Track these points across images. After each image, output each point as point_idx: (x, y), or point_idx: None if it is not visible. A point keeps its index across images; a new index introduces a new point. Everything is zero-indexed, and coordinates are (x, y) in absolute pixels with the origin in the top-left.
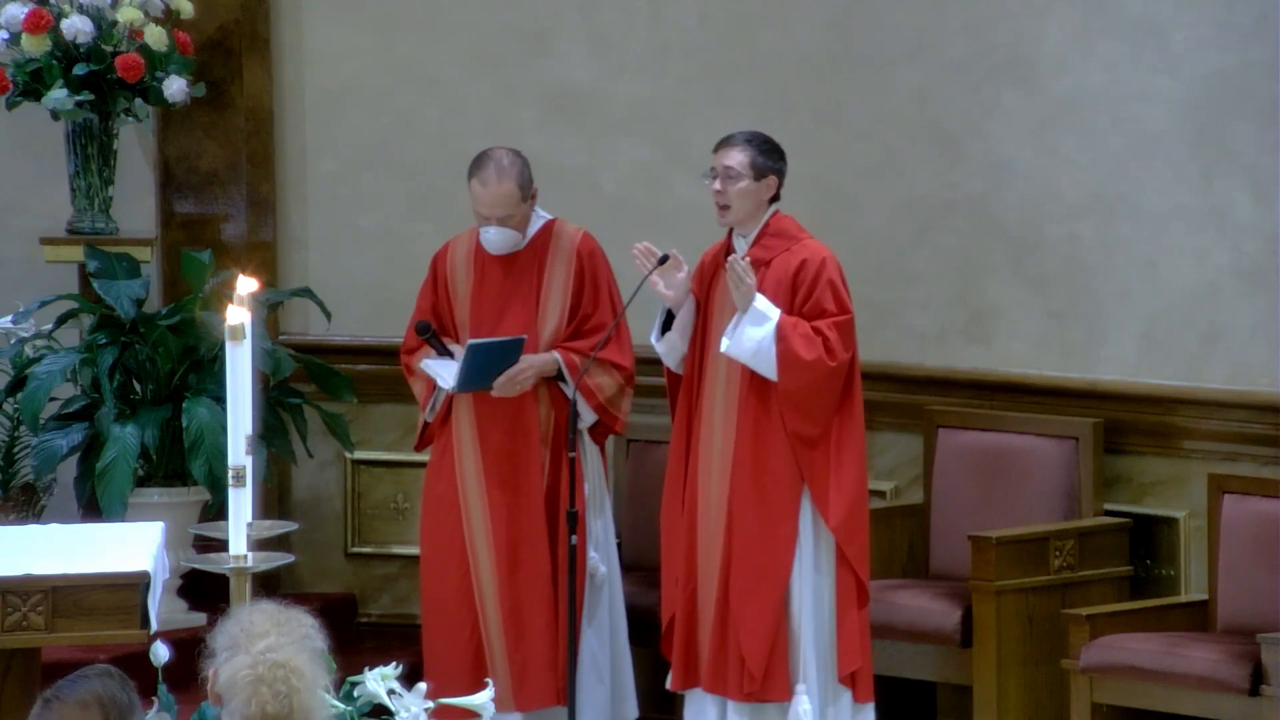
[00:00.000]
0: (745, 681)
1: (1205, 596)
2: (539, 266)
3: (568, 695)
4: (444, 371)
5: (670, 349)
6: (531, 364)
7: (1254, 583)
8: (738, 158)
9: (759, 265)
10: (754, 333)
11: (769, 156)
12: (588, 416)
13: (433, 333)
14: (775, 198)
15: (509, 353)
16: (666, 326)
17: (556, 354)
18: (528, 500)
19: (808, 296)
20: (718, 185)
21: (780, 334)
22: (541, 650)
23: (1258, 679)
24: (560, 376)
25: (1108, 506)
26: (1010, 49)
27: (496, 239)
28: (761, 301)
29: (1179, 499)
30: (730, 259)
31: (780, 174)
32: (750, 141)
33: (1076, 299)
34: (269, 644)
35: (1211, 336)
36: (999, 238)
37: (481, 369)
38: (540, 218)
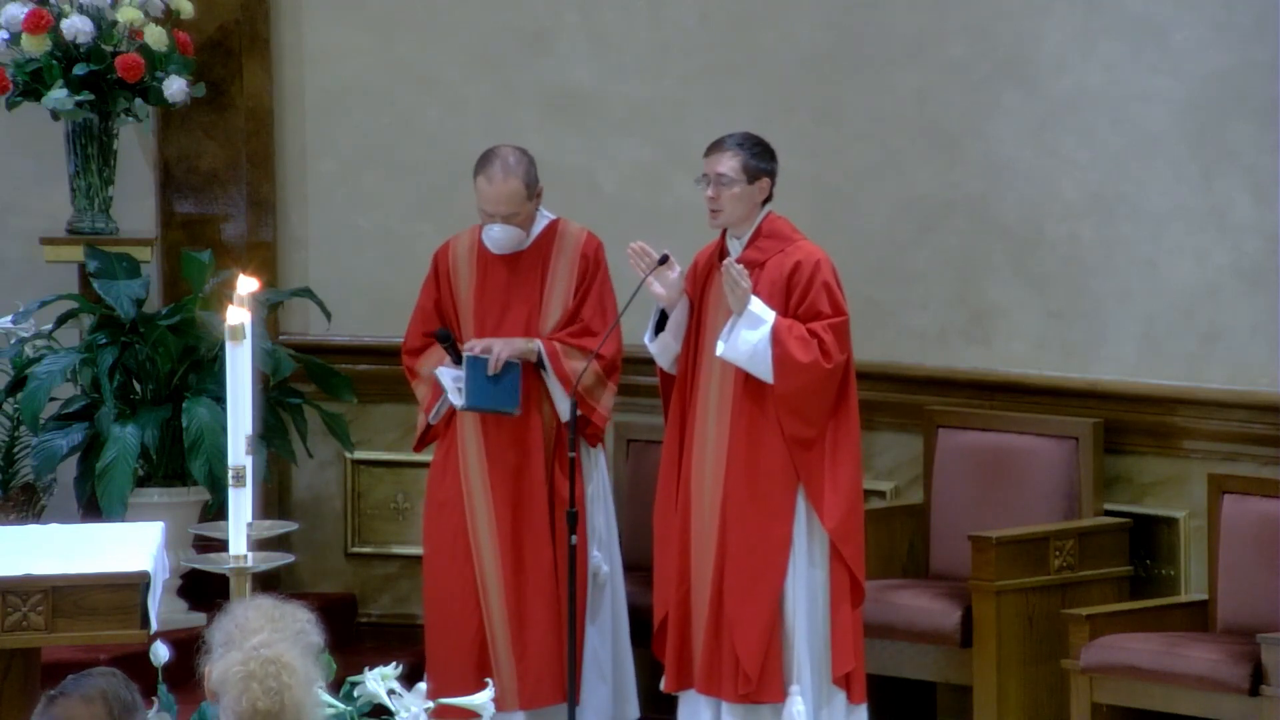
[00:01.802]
0: (740, 683)
1: (1205, 596)
2: (543, 266)
3: (568, 694)
4: (456, 385)
5: (663, 349)
6: (508, 342)
7: (1254, 583)
8: (730, 163)
9: (753, 267)
10: (749, 336)
11: (761, 158)
12: (564, 404)
13: (452, 341)
14: (768, 198)
15: (509, 370)
16: (660, 327)
17: (539, 341)
18: (531, 500)
19: (802, 298)
20: (711, 192)
21: (776, 337)
22: (545, 649)
23: (1258, 679)
24: (540, 364)
25: (1108, 506)
26: (1010, 49)
27: (501, 237)
28: (757, 304)
29: (1179, 499)
30: (726, 263)
31: (772, 175)
32: (741, 145)
33: (1076, 299)
34: (261, 640)
35: (1211, 336)
36: (999, 238)
37: (485, 385)
38: (544, 217)
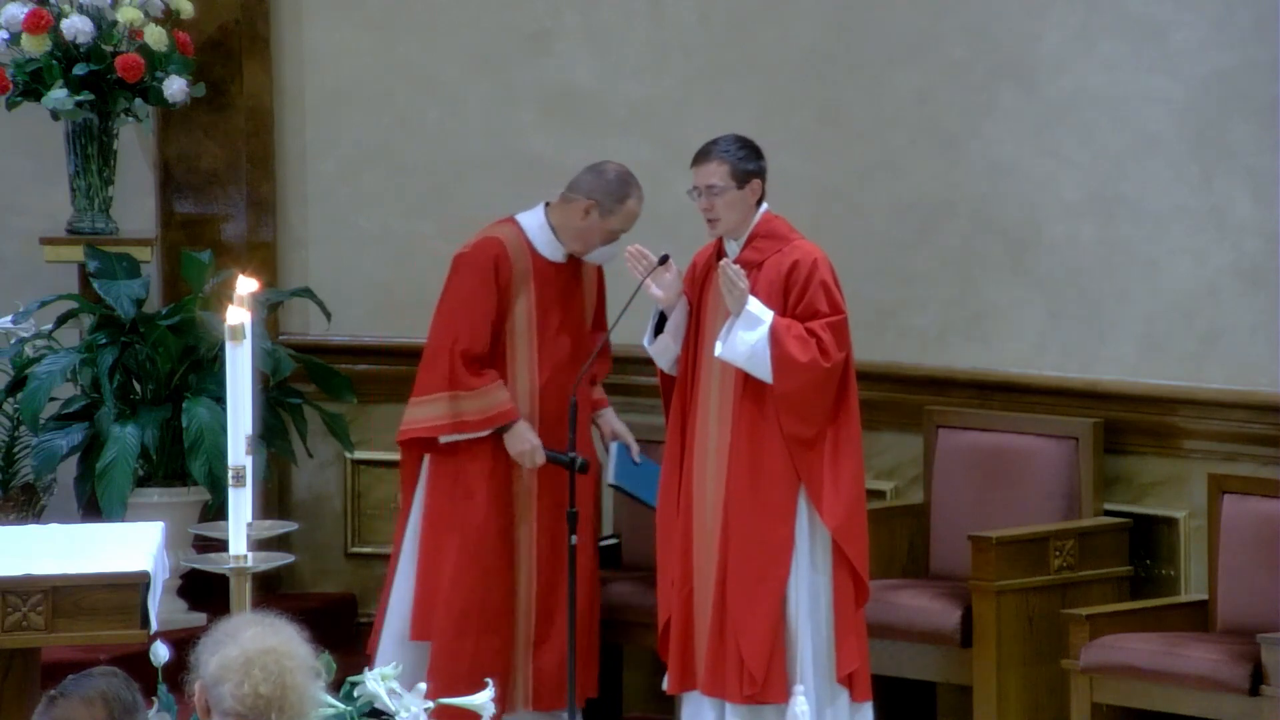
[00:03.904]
0: (745, 684)
1: (1205, 596)
2: (578, 277)
3: (568, 694)
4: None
5: (663, 351)
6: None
7: (1254, 583)
8: (718, 172)
9: (750, 267)
10: (747, 336)
11: (747, 160)
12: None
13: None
14: (761, 198)
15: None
16: (659, 328)
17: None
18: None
19: (800, 298)
20: (704, 203)
21: (774, 337)
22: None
23: (1258, 679)
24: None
25: (1108, 506)
26: (1010, 49)
27: (615, 252)
28: (755, 305)
29: (1179, 499)
30: (722, 263)
31: (762, 174)
32: (726, 151)
33: (1076, 299)
34: (256, 633)
35: (1211, 336)
36: (999, 238)
37: (631, 466)
38: None
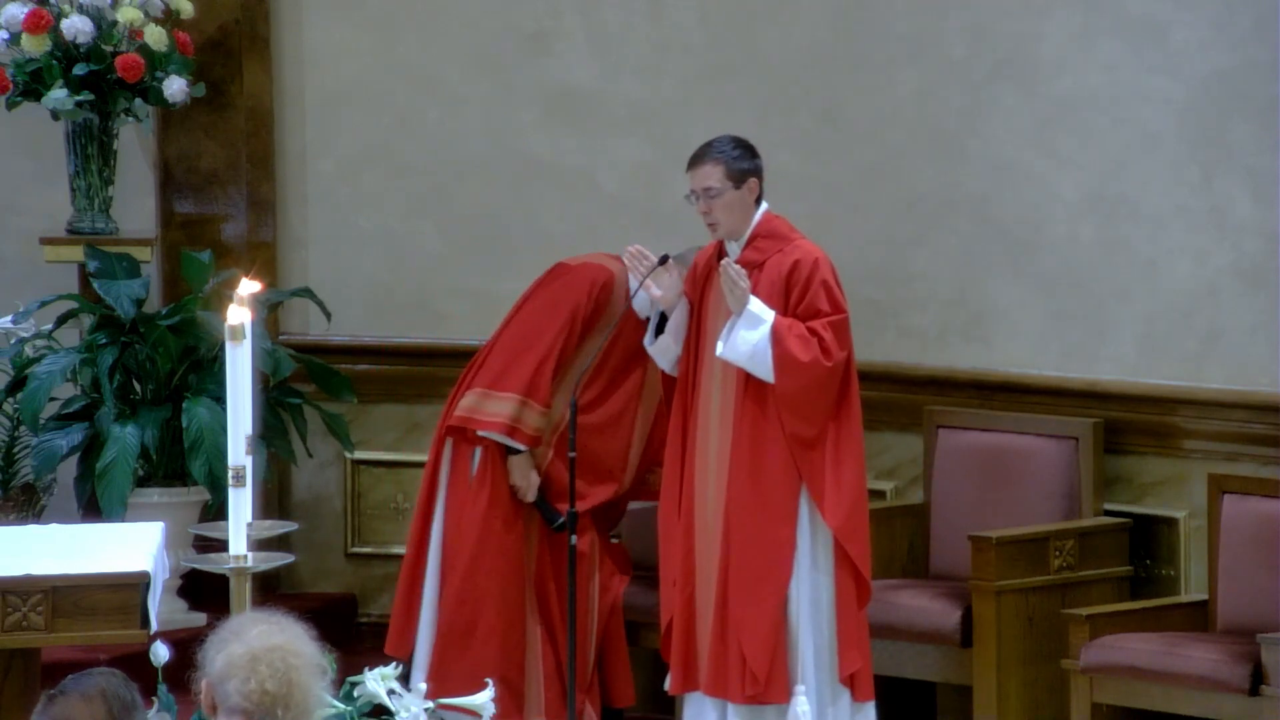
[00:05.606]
0: (747, 684)
1: (1205, 596)
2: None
3: (568, 696)
4: None
5: (663, 351)
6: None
7: (1254, 583)
8: (714, 174)
9: (752, 267)
10: (749, 336)
11: (742, 159)
12: None
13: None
14: (760, 196)
15: None
16: (659, 329)
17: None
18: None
19: (801, 297)
20: (703, 207)
21: (776, 336)
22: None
23: (1258, 679)
24: None
25: (1108, 506)
26: (1010, 49)
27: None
28: (756, 304)
29: (1179, 499)
30: (724, 263)
31: (759, 173)
32: (721, 152)
33: (1076, 299)
34: (262, 631)
35: (1211, 336)
36: (999, 238)
37: None
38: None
